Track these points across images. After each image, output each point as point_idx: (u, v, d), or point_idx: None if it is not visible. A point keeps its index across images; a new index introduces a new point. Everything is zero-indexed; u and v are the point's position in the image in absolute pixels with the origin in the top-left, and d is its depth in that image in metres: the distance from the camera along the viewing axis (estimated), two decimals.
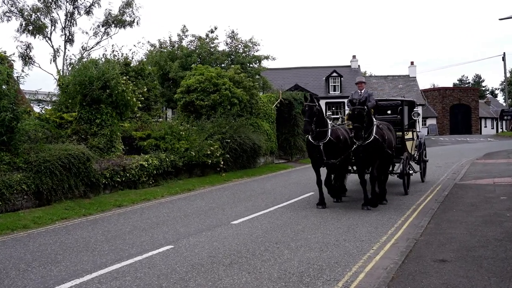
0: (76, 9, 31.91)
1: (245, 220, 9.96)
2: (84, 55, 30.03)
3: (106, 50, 71.65)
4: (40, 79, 57.33)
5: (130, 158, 14.27)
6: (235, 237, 8.46)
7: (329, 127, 11.02)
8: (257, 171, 19.21)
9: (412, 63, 50.36)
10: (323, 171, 11.56)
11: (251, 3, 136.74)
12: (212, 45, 30.03)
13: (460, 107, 59.75)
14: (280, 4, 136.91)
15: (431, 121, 56.55)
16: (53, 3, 31.16)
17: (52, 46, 31.87)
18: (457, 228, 8.53)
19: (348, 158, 11.65)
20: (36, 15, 30.71)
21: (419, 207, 11.09)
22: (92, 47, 32.89)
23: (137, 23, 32.76)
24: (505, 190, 12.42)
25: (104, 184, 13.08)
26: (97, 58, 16.94)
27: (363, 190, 11.01)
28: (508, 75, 56.20)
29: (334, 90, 43.78)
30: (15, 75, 12.99)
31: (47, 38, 31.53)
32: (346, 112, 12.50)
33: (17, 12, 30.57)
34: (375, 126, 10.74)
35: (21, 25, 30.69)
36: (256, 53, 30.68)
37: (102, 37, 33.05)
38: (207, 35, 30.54)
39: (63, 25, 31.93)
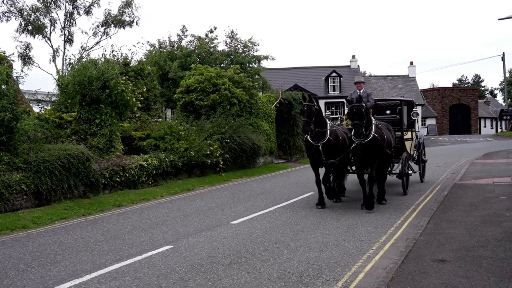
0: (75, 9, 31.90)
1: (244, 220, 9.96)
2: (83, 55, 30.00)
3: (105, 50, 71.73)
4: (39, 79, 57.40)
5: (129, 158, 14.27)
6: (235, 237, 8.46)
7: (328, 127, 11.01)
8: (256, 171, 19.21)
9: (411, 63, 50.42)
10: (323, 171, 11.56)
11: (251, 3, 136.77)
12: (211, 45, 30.03)
13: (460, 107, 59.79)
14: (279, 4, 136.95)
15: (431, 121, 56.57)
16: (52, 3, 31.13)
17: (52, 46, 31.89)
18: (457, 228, 8.53)
19: (347, 158, 11.65)
20: (35, 15, 30.69)
21: (418, 207, 11.09)
22: (92, 47, 32.89)
23: (136, 23, 32.76)
24: (505, 190, 12.43)
25: (104, 184, 13.07)
26: (96, 58, 16.96)
27: (363, 190, 11.00)
28: (507, 75, 56.24)
29: (334, 90, 43.79)
30: (14, 75, 12.99)
31: (46, 38, 31.53)
32: (346, 112, 12.49)
33: (17, 12, 30.55)
34: (374, 126, 10.74)
35: (20, 25, 30.68)
36: (255, 53, 30.69)
37: (101, 37, 33.06)
38: (206, 35, 30.55)
39: (63, 25, 31.93)
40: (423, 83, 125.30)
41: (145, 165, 14.31)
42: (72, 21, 31.97)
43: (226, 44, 31.06)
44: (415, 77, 49.62)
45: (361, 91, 11.72)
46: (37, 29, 30.71)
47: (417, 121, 15.36)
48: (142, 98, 18.63)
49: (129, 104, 15.21)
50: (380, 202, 11.47)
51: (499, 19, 30.28)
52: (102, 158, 13.53)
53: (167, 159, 15.28)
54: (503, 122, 62.48)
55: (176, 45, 30.82)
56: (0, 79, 11.33)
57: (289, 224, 9.50)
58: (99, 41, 33.08)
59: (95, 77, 14.09)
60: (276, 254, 7.35)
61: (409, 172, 13.30)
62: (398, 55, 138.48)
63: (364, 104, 10.40)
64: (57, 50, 32.06)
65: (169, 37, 31.93)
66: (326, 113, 12.59)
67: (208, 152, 16.97)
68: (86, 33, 35.96)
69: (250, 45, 30.60)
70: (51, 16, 31.40)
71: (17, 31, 30.80)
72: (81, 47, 32.49)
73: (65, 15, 31.74)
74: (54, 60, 31.74)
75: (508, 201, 10.86)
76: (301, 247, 7.69)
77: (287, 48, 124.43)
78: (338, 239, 8.20)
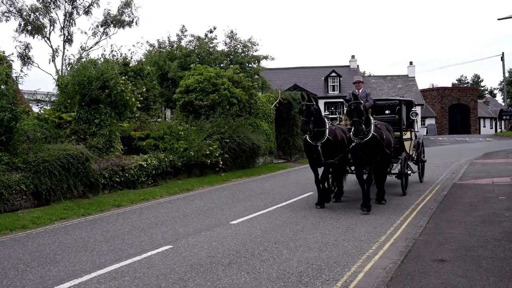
0: (75, 9, 31.93)
1: (244, 220, 9.96)
2: (83, 55, 29.98)
3: (105, 50, 71.79)
4: (39, 79, 57.39)
5: (129, 158, 14.27)
6: (234, 237, 8.45)
7: (327, 126, 11.00)
8: (256, 171, 19.21)
9: (411, 63, 50.39)
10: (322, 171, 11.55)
11: (250, 3, 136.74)
12: (211, 45, 30.04)
13: (459, 107, 59.82)
14: (279, 4, 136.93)
15: (430, 121, 56.57)
16: (52, 3, 31.15)
17: (51, 46, 31.91)
18: (456, 228, 8.53)
19: (346, 157, 11.64)
20: (35, 15, 30.71)
21: (418, 207, 11.09)
22: (91, 47, 32.94)
23: (136, 23, 32.80)
24: (504, 190, 12.44)
25: (103, 184, 13.07)
26: (96, 58, 16.97)
27: (362, 190, 10.98)
28: (506, 75, 56.19)
29: (333, 90, 43.81)
30: (13, 75, 12.98)
31: (46, 38, 31.55)
32: (345, 111, 12.49)
33: (16, 12, 30.57)
34: (373, 125, 10.73)
35: (20, 25, 30.70)
36: (255, 53, 30.71)
37: (101, 37, 33.10)
38: (206, 35, 30.56)
39: (62, 25, 31.96)
40: (423, 83, 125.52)
41: (145, 165, 14.31)
42: (71, 21, 32.01)
43: (226, 44, 31.10)
44: (414, 77, 49.62)
45: (360, 90, 11.72)
46: (36, 29, 30.72)
47: (416, 121, 15.36)
48: (141, 98, 18.62)
49: (128, 104, 15.21)
50: (380, 202, 11.47)
51: (498, 19, 30.35)
52: (102, 158, 13.52)
53: (166, 159, 15.28)
54: (503, 122, 62.50)
55: (175, 45, 30.82)
56: (0, 79, 11.32)
57: (289, 224, 9.50)
58: (99, 41, 33.16)
59: (94, 77, 14.09)
60: (275, 254, 7.35)
61: (408, 172, 13.29)
62: (397, 55, 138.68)
63: (361, 102, 10.42)
64: (56, 50, 32.11)
65: (168, 37, 31.98)
66: (325, 113, 12.53)
67: (208, 152, 16.96)
68: (85, 33, 35.96)
69: (250, 45, 30.63)
70: (51, 16, 31.44)
71: (16, 31, 30.86)
72: (81, 47, 32.58)
73: (65, 15, 31.79)
74: (53, 60, 31.78)
75: (508, 201, 10.87)
76: (300, 247, 7.69)
77: (286, 48, 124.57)
78: (338, 239, 8.20)
